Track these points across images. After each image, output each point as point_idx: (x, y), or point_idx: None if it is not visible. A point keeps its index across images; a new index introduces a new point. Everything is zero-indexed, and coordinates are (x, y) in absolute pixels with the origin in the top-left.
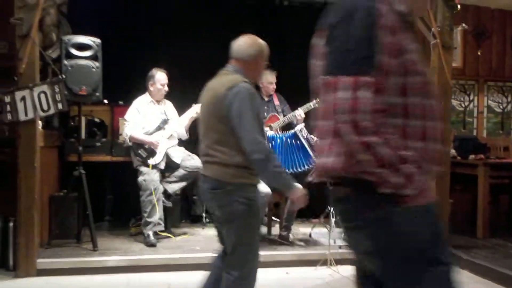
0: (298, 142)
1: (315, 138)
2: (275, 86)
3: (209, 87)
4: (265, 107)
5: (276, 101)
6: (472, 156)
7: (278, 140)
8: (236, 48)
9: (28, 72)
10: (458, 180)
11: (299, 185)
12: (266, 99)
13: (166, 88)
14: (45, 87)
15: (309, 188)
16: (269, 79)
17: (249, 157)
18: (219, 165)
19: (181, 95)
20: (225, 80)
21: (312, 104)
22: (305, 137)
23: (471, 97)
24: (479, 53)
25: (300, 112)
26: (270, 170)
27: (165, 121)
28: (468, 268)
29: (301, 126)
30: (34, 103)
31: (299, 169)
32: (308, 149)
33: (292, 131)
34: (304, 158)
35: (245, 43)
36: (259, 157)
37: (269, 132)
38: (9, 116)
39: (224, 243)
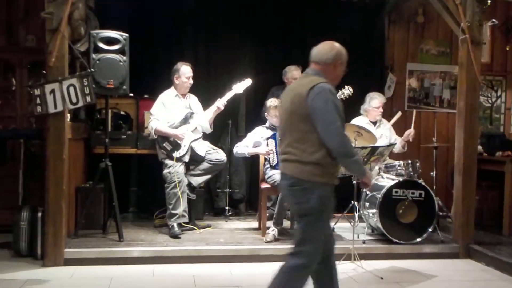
0: None
1: None
2: None
3: (290, 88)
4: None
5: None
6: (499, 153)
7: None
8: (316, 52)
9: (57, 66)
10: (484, 177)
11: (369, 171)
12: None
13: (191, 81)
14: (74, 80)
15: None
16: (294, 75)
17: (333, 151)
18: (297, 163)
19: (205, 90)
20: (306, 81)
21: (338, 96)
22: None
23: (499, 93)
24: (507, 49)
25: None
26: (350, 161)
27: (190, 115)
28: (494, 265)
29: None
30: (63, 95)
31: None
32: None
33: None
34: None
35: (323, 48)
36: (342, 150)
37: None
38: (38, 109)
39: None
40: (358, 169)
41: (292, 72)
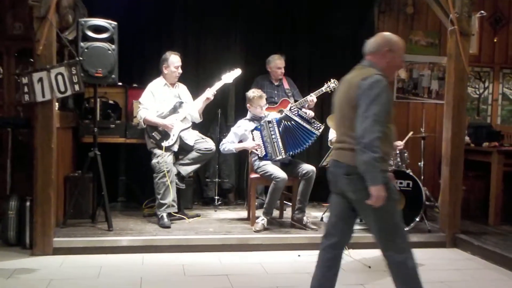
0: (292, 122)
1: (307, 112)
2: (283, 71)
3: (345, 79)
4: (275, 92)
5: (286, 85)
6: (485, 144)
7: (276, 125)
8: (368, 44)
9: (45, 54)
10: (471, 167)
11: (382, 186)
12: (275, 83)
13: (180, 71)
14: (62, 69)
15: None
16: (277, 64)
17: (358, 138)
18: (353, 152)
19: (195, 79)
20: (360, 72)
21: (324, 89)
22: (297, 114)
23: (486, 84)
24: (495, 40)
25: (312, 98)
26: (366, 158)
27: (179, 104)
28: (479, 254)
29: (289, 106)
30: (51, 84)
31: (305, 146)
32: (304, 124)
33: (282, 114)
34: (305, 134)
35: (375, 39)
36: (363, 140)
37: (266, 118)
38: (26, 97)
39: (369, 228)
40: (370, 170)
41: (276, 61)
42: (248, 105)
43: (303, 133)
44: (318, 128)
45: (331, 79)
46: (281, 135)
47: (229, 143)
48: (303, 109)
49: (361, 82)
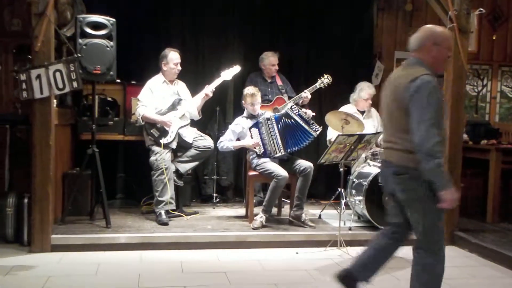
0: (292, 120)
1: (307, 112)
2: (277, 68)
3: (392, 78)
4: (269, 89)
5: (279, 82)
6: (484, 141)
7: (275, 122)
8: (411, 41)
9: (43, 50)
10: (469, 165)
11: (452, 188)
12: (268, 80)
13: (179, 68)
14: (60, 66)
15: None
16: (271, 61)
17: (415, 146)
18: (403, 152)
19: (194, 76)
20: (407, 72)
21: (317, 85)
22: (297, 113)
23: (485, 82)
24: (494, 38)
25: (306, 94)
26: (432, 166)
27: (177, 101)
28: (477, 252)
29: (290, 104)
30: (49, 81)
31: (302, 145)
32: (303, 124)
33: (283, 111)
34: (303, 134)
35: (417, 34)
36: (422, 147)
37: (265, 115)
38: (24, 94)
39: (412, 226)
40: (438, 176)
41: (270, 58)
42: (243, 101)
43: (301, 133)
44: (316, 130)
45: (325, 75)
46: (280, 132)
47: (227, 141)
48: (303, 109)
49: (408, 84)
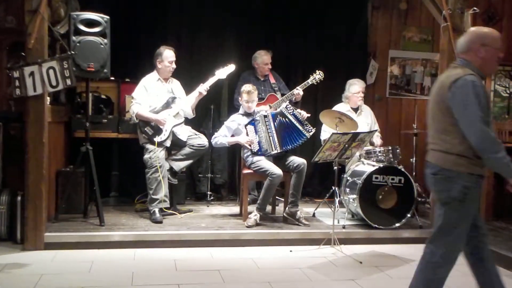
0: (286, 119)
1: (302, 112)
2: (270, 67)
3: (438, 79)
4: (261, 87)
5: (272, 80)
6: None
7: (272, 119)
8: (458, 44)
9: (37, 48)
10: None
11: None
12: (261, 79)
13: (174, 66)
14: (53, 63)
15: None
16: (264, 60)
17: (475, 147)
18: (441, 153)
19: (188, 74)
20: (452, 73)
21: (310, 81)
22: (292, 113)
23: None
24: None
25: (298, 91)
26: (493, 157)
27: (172, 99)
28: None
29: (285, 104)
30: (42, 78)
31: (295, 144)
32: (297, 124)
33: (278, 109)
34: (297, 134)
35: (464, 37)
36: (482, 146)
37: (262, 112)
38: (17, 91)
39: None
40: (504, 167)
41: (263, 57)
42: (239, 98)
43: (295, 133)
44: (309, 130)
45: (317, 71)
46: (277, 130)
47: (222, 137)
48: (298, 110)
49: (451, 85)
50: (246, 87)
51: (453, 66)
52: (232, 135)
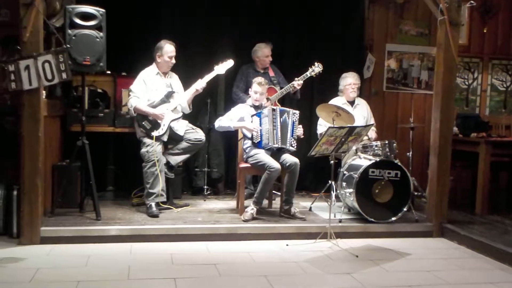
0: (288, 121)
1: (300, 129)
2: (271, 59)
3: None
4: None
5: (271, 73)
6: (473, 134)
7: (279, 114)
8: None
9: (32, 41)
10: (459, 157)
11: None
12: (261, 72)
13: (174, 61)
14: (49, 56)
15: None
16: (265, 53)
17: None
18: None
19: (185, 68)
20: None
21: (308, 73)
22: (291, 122)
23: (475, 75)
24: (484, 31)
25: (299, 82)
26: None
27: (170, 94)
28: (466, 244)
29: (291, 111)
30: (38, 72)
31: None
32: (289, 132)
33: (286, 108)
34: (284, 138)
35: None
36: None
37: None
38: (13, 85)
39: None
40: None
41: (263, 50)
42: (249, 88)
43: (284, 136)
44: (292, 145)
45: (316, 63)
46: (281, 125)
47: (227, 120)
48: (300, 126)
49: None
50: (258, 78)
51: None
52: None
